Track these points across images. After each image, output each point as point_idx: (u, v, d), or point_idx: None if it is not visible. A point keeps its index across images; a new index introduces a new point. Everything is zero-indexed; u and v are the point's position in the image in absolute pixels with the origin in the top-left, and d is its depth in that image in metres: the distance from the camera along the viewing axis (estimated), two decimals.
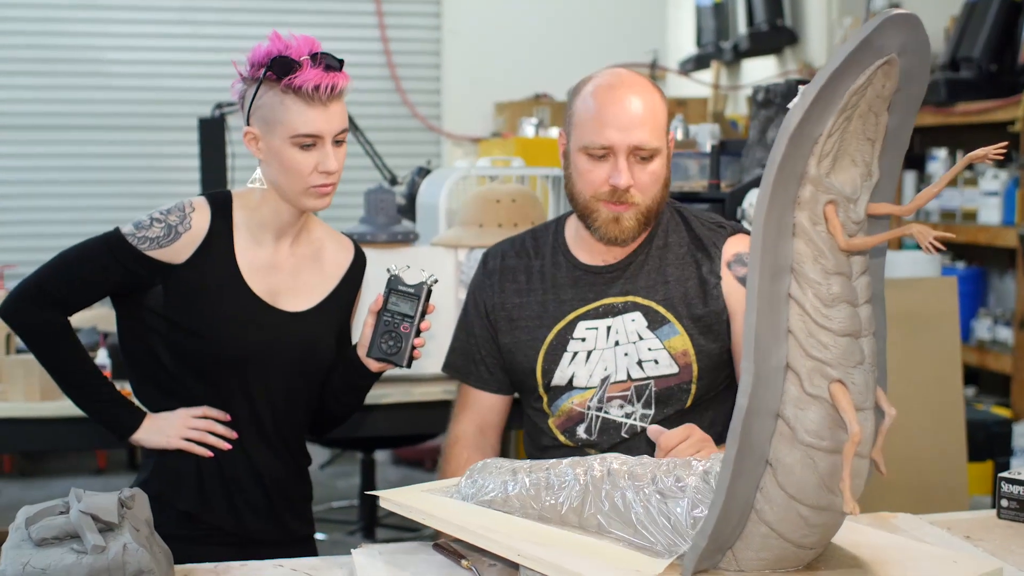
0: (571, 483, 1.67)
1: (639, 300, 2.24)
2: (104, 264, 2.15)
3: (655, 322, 2.22)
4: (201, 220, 2.17)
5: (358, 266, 2.34)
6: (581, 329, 2.25)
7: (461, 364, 2.40)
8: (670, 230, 2.29)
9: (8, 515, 4.85)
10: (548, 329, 2.27)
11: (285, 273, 2.24)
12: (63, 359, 2.21)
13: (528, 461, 1.79)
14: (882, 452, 1.51)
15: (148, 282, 2.16)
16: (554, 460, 1.76)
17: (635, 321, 2.23)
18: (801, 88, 1.40)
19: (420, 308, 2.18)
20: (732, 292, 2.22)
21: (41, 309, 2.17)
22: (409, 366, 2.19)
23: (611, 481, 1.63)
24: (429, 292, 2.18)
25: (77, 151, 6.71)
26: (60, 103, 6.69)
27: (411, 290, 2.18)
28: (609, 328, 2.23)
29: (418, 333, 2.18)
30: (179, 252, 2.16)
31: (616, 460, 1.68)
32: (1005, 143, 1.44)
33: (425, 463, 5.80)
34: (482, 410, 2.38)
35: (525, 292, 2.32)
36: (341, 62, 2.14)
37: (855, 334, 1.45)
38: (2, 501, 5.18)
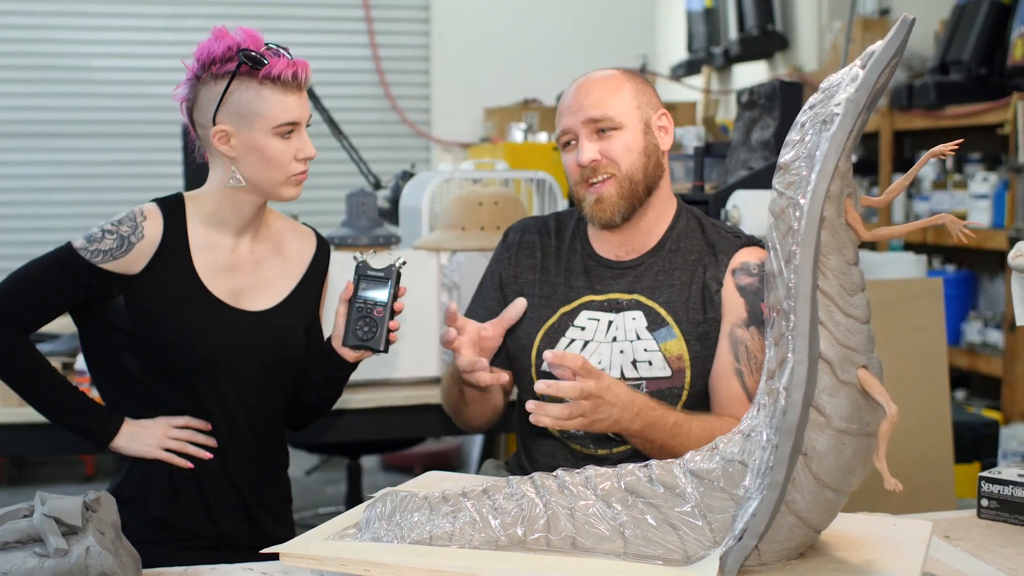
0: (527, 506, 1.57)
1: (642, 299, 2.24)
2: (59, 280, 2.11)
3: (655, 323, 2.22)
4: (154, 228, 2.14)
5: (322, 255, 2.32)
6: (583, 318, 2.26)
7: None
8: (684, 235, 2.29)
9: None
10: (553, 311, 2.28)
11: (246, 271, 2.21)
12: (29, 377, 2.17)
13: (440, 489, 1.67)
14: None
15: (106, 294, 2.13)
16: (488, 484, 1.66)
17: (635, 320, 2.22)
18: (835, 83, 1.45)
19: (391, 291, 2.15)
20: (727, 298, 2.21)
21: None
22: (386, 350, 2.17)
23: (570, 498, 1.58)
24: (399, 274, 2.16)
25: (64, 159, 6.69)
26: (46, 111, 6.66)
27: (380, 274, 2.16)
28: (611, 323, 2.23)
29: (392, 316, 2.16)
30: (134, 262, 2.12)
31: (565, 474, 1.63)
32: (960, 140, 1.47)
33: (414, 469, 5.77)
34: None
35: (539, 270, 2.34)
36: (286, 49, 2.15)
37: (868, 320, 1.48)
38: None
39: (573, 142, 2.23)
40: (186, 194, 2.21)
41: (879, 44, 1.42)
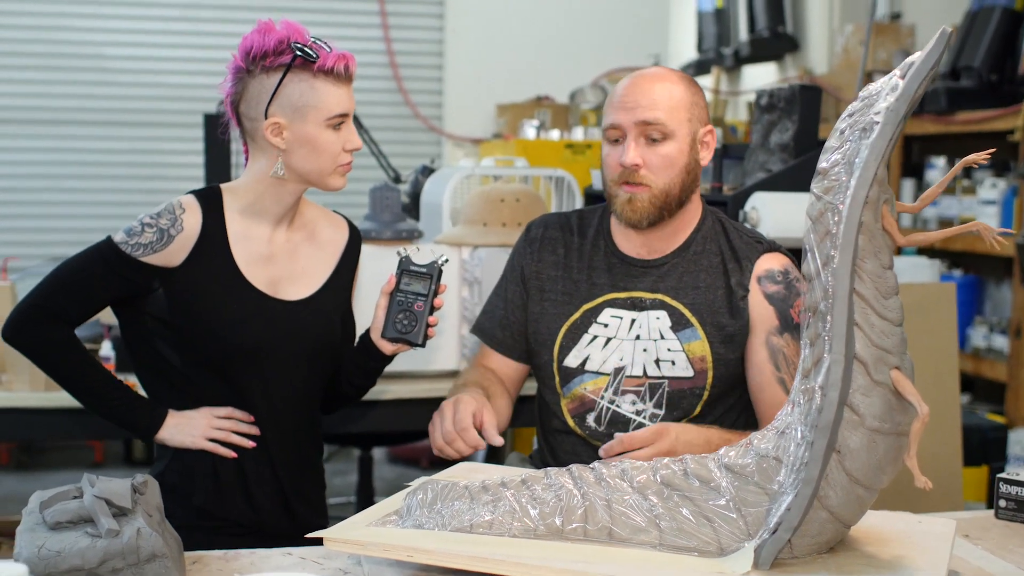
0: (565, 497, 1.62)
1: (667, 299, 2.27)
2: (101, 275, 2.15)
3: (679, 324, 2.25)
4: (193, 220, 2.16)
5: (354, 243, 2.36)
6: (606, 315, 2.29)
7: (488, 327, 2.45)
8: (709, 238, 2.32)
9: (4, 507, 4.86)
10: (576, 307, 2.31)
11: (283, 261, 2.24)
12: (74, 371, 2.21)
13: (479, 478, 1.72)
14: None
15: (147, 287, 2.16)
16: (527, 474, 1.71)
17: (660, 319, 2.26)
18: (881, 86, 1.48)
19: (433, 287, 2.21)
20: (756, 306, 2.25)
21: (44, 326, 2.17)
22: (423, 345, 2.22)
23: (607, 489, 1.63)
24: (440, 272, 2.22)
25: (79, 146, 6.69)
26: (60, 98, 6.67)
27: (423, 269, 2.21)
28: (633, 321, 2.27)
29: (432, 311, 2.20)
30: (174, 255, 2.15)
31: (602, 466, 1.68)
32: (993, 149, 1.51)
33: (421, 461, 5.80)
34: (499, 374, 2.41)
35: (562, 266, 2.36)
36: (326, 42, 2.18)
37: (901, 323, 1.53)
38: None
39: (620, 139, 2.24)
40: (223, 186, 2.24)
41: (918, 55, 1.47)
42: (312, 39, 2.14)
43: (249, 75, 2.15)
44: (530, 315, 2.37)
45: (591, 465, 1.69)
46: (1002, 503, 2.00)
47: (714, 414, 2.27)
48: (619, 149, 2.24)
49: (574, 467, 1.68)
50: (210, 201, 2.20)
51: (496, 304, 2.44)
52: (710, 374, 2.24)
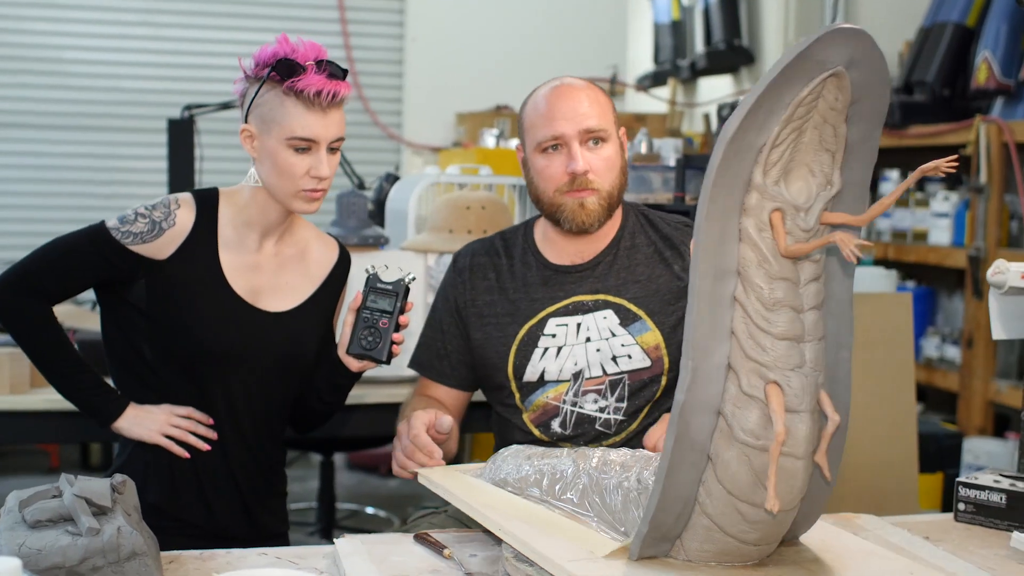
0: (567, 471, 1.76)
1: (610, 298, 2.32)
2: (87, 256, 2.18)
3: (627, 319, 2.30)
4: (186, 217, 2.20)
5: (342, 267, 2.38)
6: (551, 326, 2.32)
7: (425, 359, 2.47)
8: (636, 231, 2.38)
9: None
10: (519, 326, 2.34)
11: (268, 273, 2.26)
12: (45, 346, 2.23)
13: (541, 448, 1.92)
14: (826, 456, 1.53)
15: (131, 276, 2.19)
16: (562, 451, 1.87)
17: (607, 318, 2.30)
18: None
19: (398, 304, 2.22)
20: None
21: (24, 296, 2.19)
22: (388, 362, 2.23)
23: (596, 472, 1.72)
24: (407, 290, 2.23)
25: (36, 150, 6.59)
26: (17, 101, 6.56)
27: (390, 287, 2.23)
28: (579, 325, 2.31)
29: (397, 329, 2.23)
30: (162, 248, 2.19)
31: (614, 452, 1.77)
32: (956, 156, 1.47)
33: (380, 468, 5.82)
34: (443, 403, 2.44)
35: (496, 290, 2.39)
36: (345, 72, 2.18)
37: (796, 339, 1.48)
38: None
39: (561, 147, 2.27)
40: (222, 190, 2.27)
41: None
42: (325, 62, 2.15)
43: (247, 81, 2.20)
44: (473, 343, 2.39)
45: (606, 451, 1.80)
46: (961, 506, 2.05)
47: (672, 394, 2.31)
48: (559, 159, 2.27)
49: (595, 453, 1.79)
50: (206, 202, 2.23)
51: (432, 337, 2.46)
52: (666, 359, 2.29)
